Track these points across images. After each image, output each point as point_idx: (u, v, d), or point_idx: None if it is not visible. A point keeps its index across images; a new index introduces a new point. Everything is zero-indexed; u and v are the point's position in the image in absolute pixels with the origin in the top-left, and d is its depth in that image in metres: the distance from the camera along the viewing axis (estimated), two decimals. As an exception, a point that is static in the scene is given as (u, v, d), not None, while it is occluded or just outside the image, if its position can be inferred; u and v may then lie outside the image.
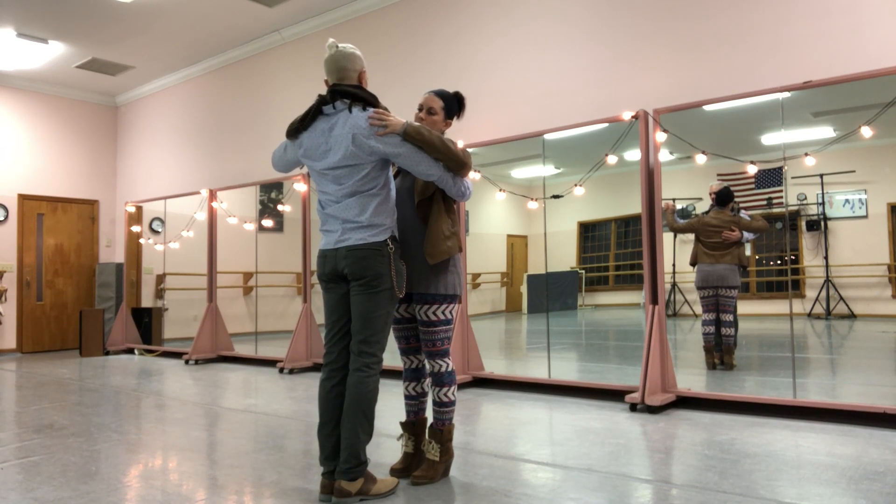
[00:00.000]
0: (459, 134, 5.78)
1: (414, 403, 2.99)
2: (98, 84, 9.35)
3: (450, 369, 2.85)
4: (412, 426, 2.97)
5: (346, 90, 2.66)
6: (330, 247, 2.69)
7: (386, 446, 3.44)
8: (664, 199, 4.65)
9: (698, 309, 4.99)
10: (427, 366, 2.91)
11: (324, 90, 2.76)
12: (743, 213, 4.78)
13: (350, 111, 2.63)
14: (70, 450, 3.52)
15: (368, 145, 2.59)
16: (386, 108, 2.71)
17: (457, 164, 2.70)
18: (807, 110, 4.33)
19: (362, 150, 2.60)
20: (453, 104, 2.97)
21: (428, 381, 2.98)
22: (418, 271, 2.80)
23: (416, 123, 2.71)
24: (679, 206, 5.02)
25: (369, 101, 2.68)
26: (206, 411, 4.58)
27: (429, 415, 3.02)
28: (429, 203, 2.80)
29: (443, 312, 2.82)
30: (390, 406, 4.46)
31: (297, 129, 2.74)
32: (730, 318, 4.78)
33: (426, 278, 2.80)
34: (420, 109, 2.94)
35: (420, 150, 2.65)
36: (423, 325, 2.84)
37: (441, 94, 2.94)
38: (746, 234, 4.81)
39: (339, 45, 2.72)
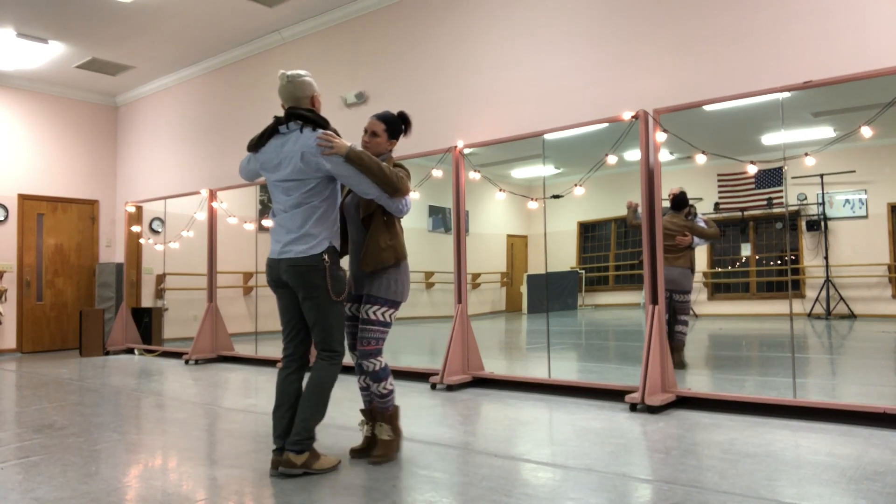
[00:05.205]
0: (460, 134, 5.78)
1: (367, 394, 3.28)
2: (98, 84, 9.35)
3: (382, 366, 3.13)
4: (369, 413, 3.28)
5: (301, 113, 2.99)
6: (274, 256, 3.00)
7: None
8: (628, 199, 4.70)
9: (698, 309, 5.00)
10: (363, 366, 3.15)
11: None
12: (699, 219, 4.83)
13: (301, 131, 2.94)
14: (70, 450, 3.52)
15: (315, 162, 2.90)
16: (335, 131, 2.99)
17: (391, 188, 2.96)
18: (807, 110, 4.33)
19: (309, 167, 2.91)
20: (397, 125, 3.22)
21: None
22: (365, 276, 3.12)
23: (359, 149, 2.97)
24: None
25: (320, 123, 2.99)
26: (206, 411, 4.58)
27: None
28: (372, 218, 3.09)
29: (382, 314, 3.10)
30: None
31: (256, 144, 3.08)
32: (685, 318, 4.86)
33: (370, 281, 3.11)
34: (365, 133, 3.19)
35: (360, 173, 2.91)
36: (362, 323, 3.11)
37: (383, 118, 3.20)
38: (696, 240, 4.91)
39: (289, 73, 3.05)
